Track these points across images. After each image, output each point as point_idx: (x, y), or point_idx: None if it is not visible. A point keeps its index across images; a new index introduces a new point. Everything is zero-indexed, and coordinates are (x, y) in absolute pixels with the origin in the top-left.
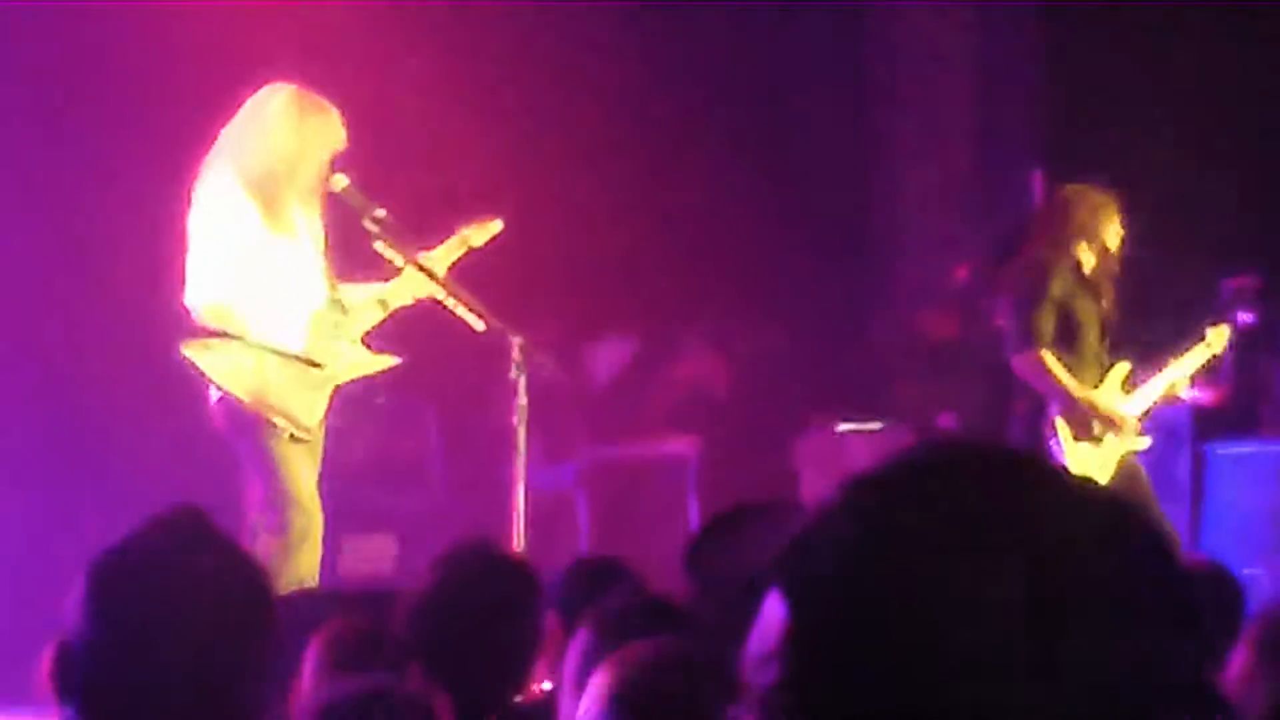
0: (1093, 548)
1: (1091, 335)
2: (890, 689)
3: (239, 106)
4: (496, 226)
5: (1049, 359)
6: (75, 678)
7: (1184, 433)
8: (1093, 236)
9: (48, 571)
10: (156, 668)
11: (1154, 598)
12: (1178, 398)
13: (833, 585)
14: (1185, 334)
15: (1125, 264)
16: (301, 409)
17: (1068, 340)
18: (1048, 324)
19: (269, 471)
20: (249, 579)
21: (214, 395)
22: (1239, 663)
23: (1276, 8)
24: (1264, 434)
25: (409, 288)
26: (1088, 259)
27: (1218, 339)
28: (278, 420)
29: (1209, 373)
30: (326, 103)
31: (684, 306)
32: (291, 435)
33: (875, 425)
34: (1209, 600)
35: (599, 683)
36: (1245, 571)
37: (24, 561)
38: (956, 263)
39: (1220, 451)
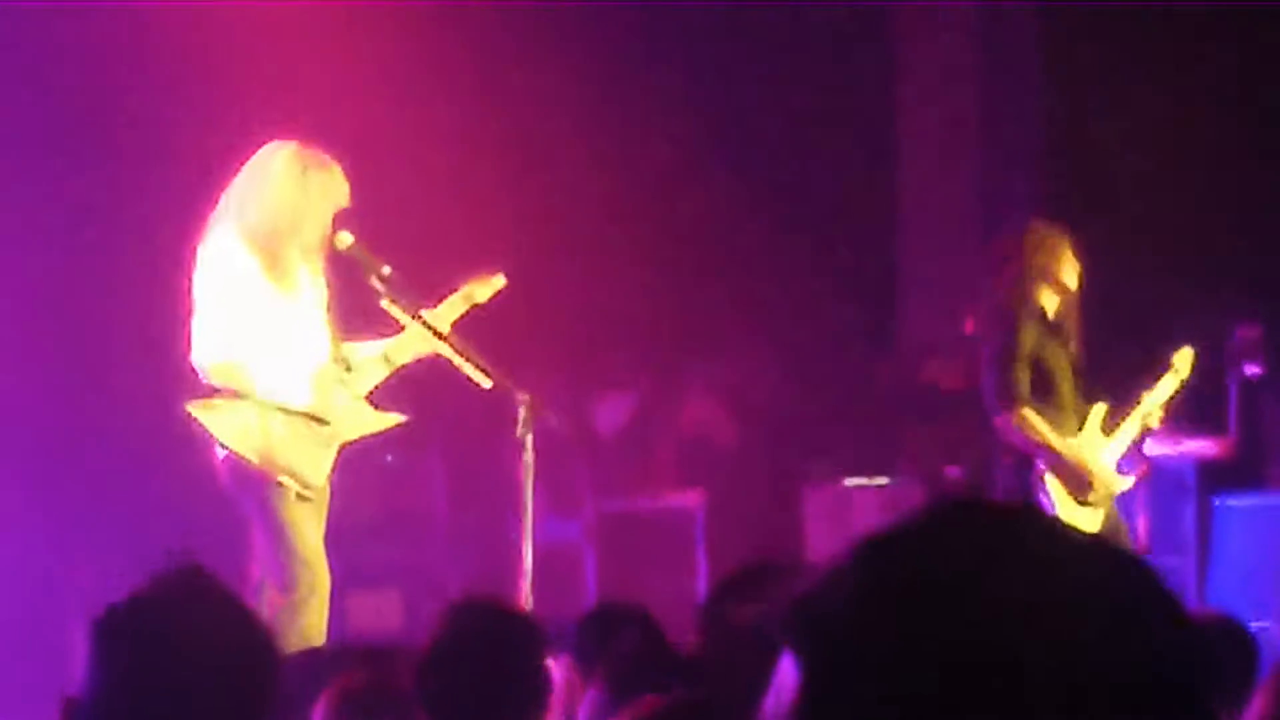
0: (1099, 598)
1: (1065, 382)
2: None
3: (243, 160)
4: (500, 282)
5: (1031, 417)
6: None
7: (1190, 485)
8: (1052, 278)
9: (46, 617)
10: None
11: (1164, 646)
12: (1151, 429)
13: (843, 646)
14: (1189, 384)
15: (1125, 315)
16: (308, 467)
17: (1043, 391)
18: (1024, 380)
19: (275, 530)
20: (253, 636)
21: (219, 454)
22: (1256, 713)
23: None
24: (1271, 486)
25: (414, 344)
26: (1050, 302)
27: (1183, 363)
28: (284, 479)
29: (1213, 417)
30: (329, 159)
31: (688, 356)
32: (298, 494)
33: (882, 480)
34: (1222, 652)
35: None
36: (1255, 624)
37: (22, 606)
38: (962, 312)
39: (1227, 503)
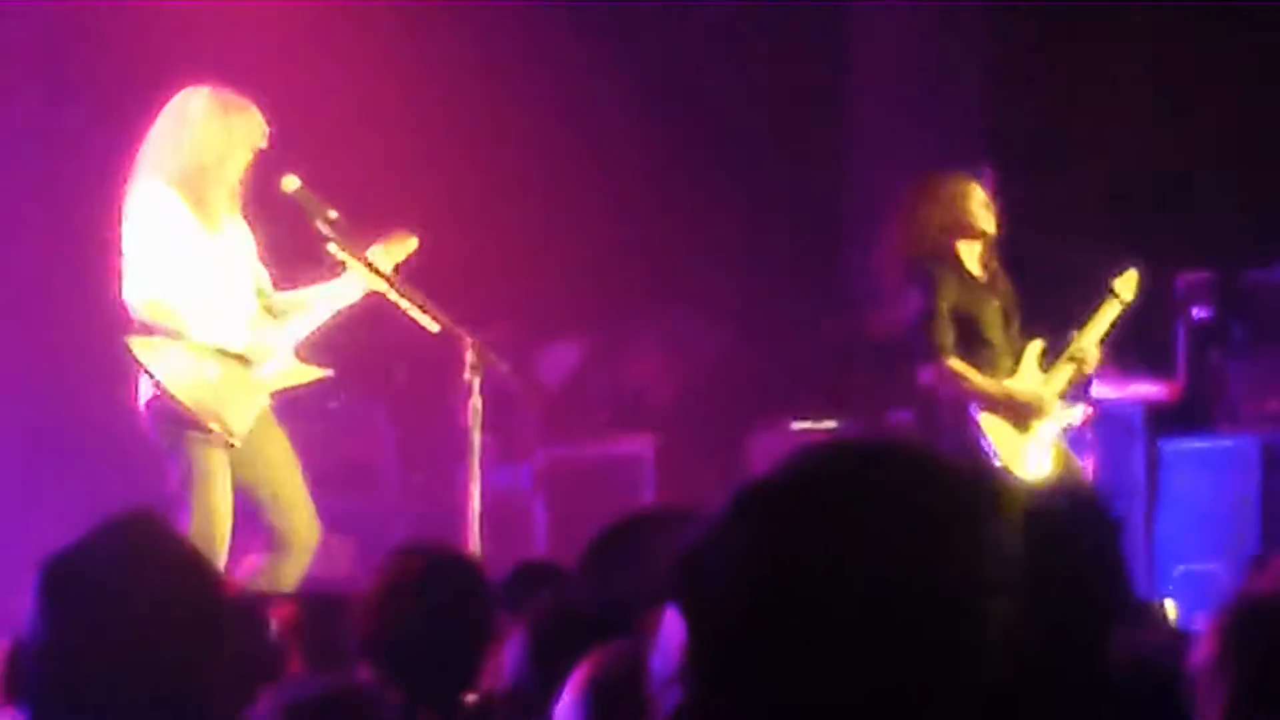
0: (979, 529)
1: (993, 328)
2: (793, 701)
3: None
4: (413, 243)
5: (956, 365)
6: (28, 679)
7: (1138, 429)
8: (965, 228)
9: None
10: (108, 669)
11: (1045, 568)
12: (1090, 365)
13: (727, 602)
14: (1137, 329)
15: (1072, 266)
16: (236, 414)
17: (971, 340)
18: (946, 333)
19: (189, 475)
20: (201, 581)
21: (146, 393)
22: (1203, 656)
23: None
24: (1218, 430)
25: (349, 291)
26: (968, 250)
27: (1125, 288)
28: (214, 425)
29: (1160, 362)
30: (246, 100)
31: (634, 306)
32: (225, 441)
33: (829, 424)
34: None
35: (579, 678)
36: (1202, 567)
37: None
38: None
39: (1175, 447)
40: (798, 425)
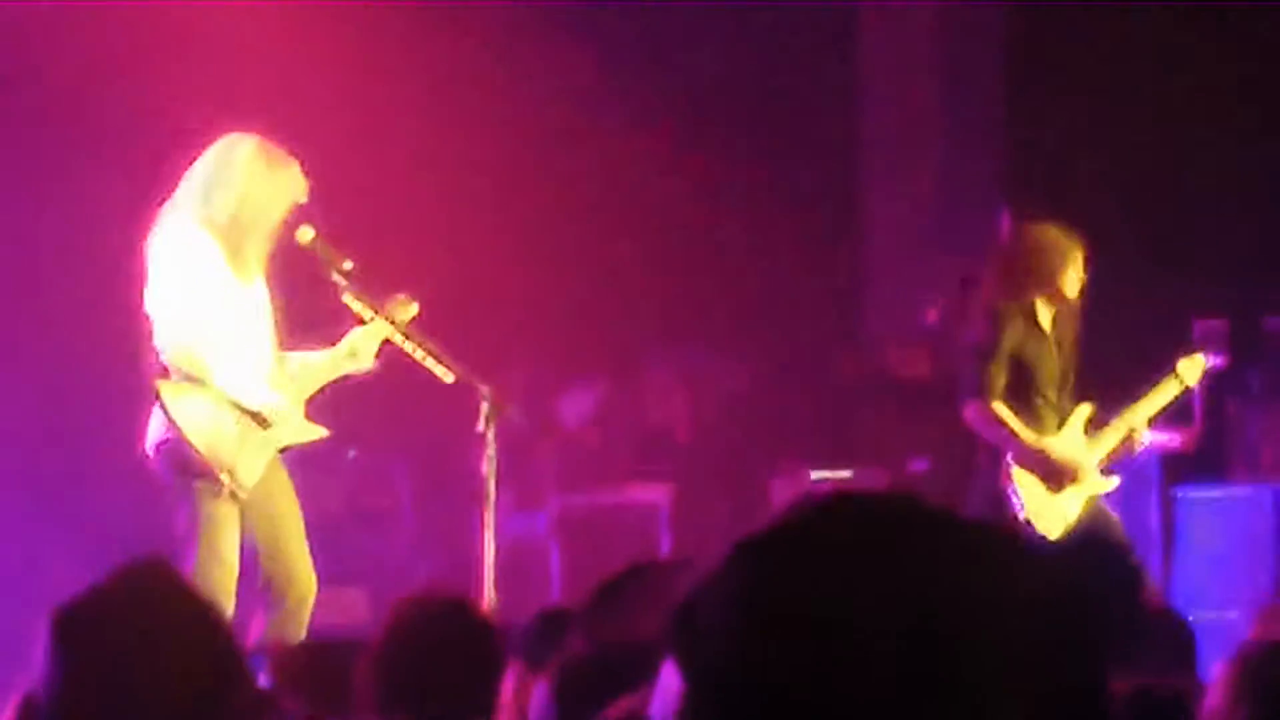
0: (982, 589)
1: (1047, 384)
2: None
3: (198, 152)
4: (414, 309)
5: (999, 409)
6: None
7: (1153, 477)
8: (1051, 283)
9: (14, 614)
10: (120, 713)
11: (1049, 629)
12: (1138, 441)
13: (725, 653)
14: (1153, 371)
15: (1089, 307)
16: (246, 468)
17: (1021, 390)
18: (999, 376)
19: (196, 523)
20: (214, 632)
21: (157, 436)
22: (1213, 703)
23: (1244, 42)
24: (1233, 478)
25: (371, 350)
26: (1045, 307)
27: (1190, 371)
28: (224, 477)
29: (1176, 410)
30: (289, 155)
31: (651, 349)
32: (230, 493)
33: (846, 474)
34: (1163, 640)
35: None
36: (1218, 615)
37: None
38: (924, 301)
39: (1190, 495)
40: (815, 474)
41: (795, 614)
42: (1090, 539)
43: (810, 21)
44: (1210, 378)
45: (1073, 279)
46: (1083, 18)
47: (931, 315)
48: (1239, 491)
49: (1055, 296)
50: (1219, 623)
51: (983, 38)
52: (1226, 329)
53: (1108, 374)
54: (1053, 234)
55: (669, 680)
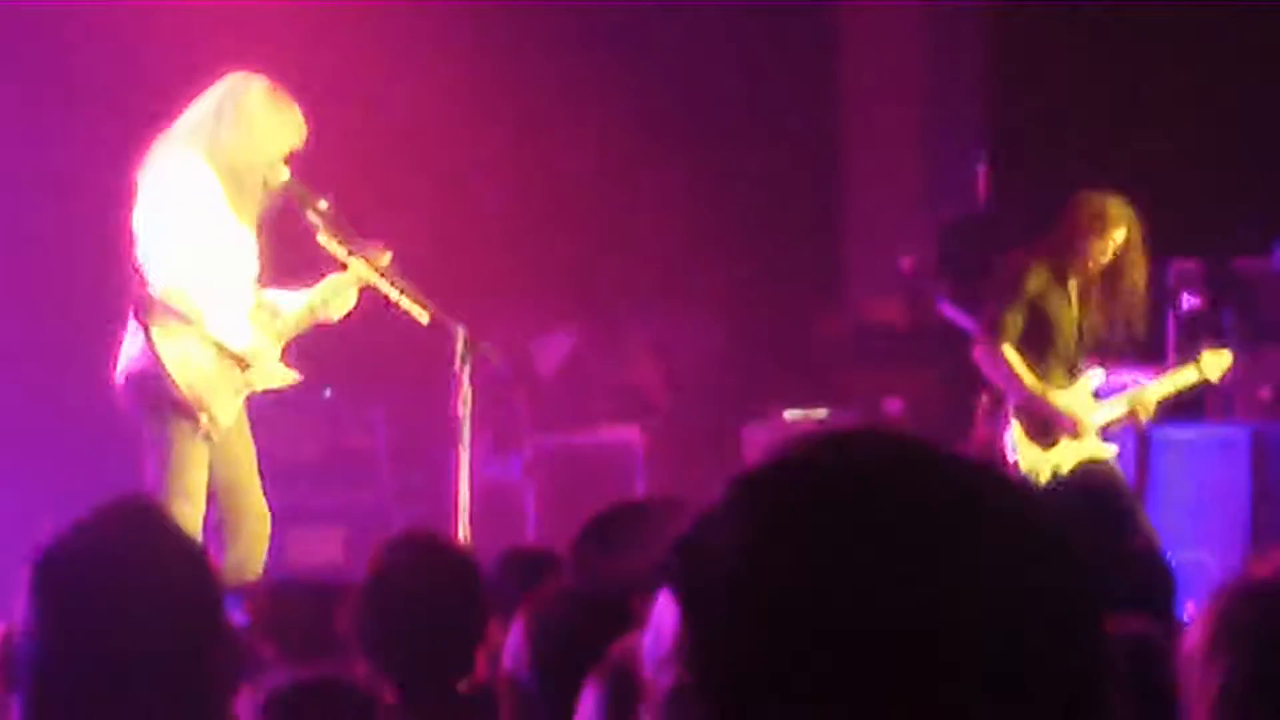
0: (983, 533)
1: (1064, 339)
2: (788, 684)
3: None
4: (386, 257)
5: (1008, 352)
6: (21, 667)
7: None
8: (1084, 254)
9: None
10: (106, 659)
11: (1044, 580)
12: (1143, 421)
13: (725, 586)
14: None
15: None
16: (222, 409)
17: (1037, 340)
18: (1015, 321)
19: (167, 461)
20: (197, 569)
21: (135, 366)
22: (1191, 645)
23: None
24: (1209, 418)
25: (349, 294)
26: (1074, 269)
27: (1212, 365)
28: (203, 416)
29: (1150, 349)
30: (292, 99)
31: (629, 296)
32: (205, 433)
33: (822, 413)
34: (1146, 582)
35: (596, 674)
36: (1194, 555)
37: None
38: (902, 251)
39: (1166, 436)
40: (790, 415)
41: (796, 549)
42: (1087, 484)
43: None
44: (1186, 317)
45: (1107, 249)
46: (1068, 16)
47: (906, 264)
48: (1215, 432)
49: (1082, 262)
50: (1195, 563)
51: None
52: (1201, 270)
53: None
54: (1097, 204)
55: (664, 616)
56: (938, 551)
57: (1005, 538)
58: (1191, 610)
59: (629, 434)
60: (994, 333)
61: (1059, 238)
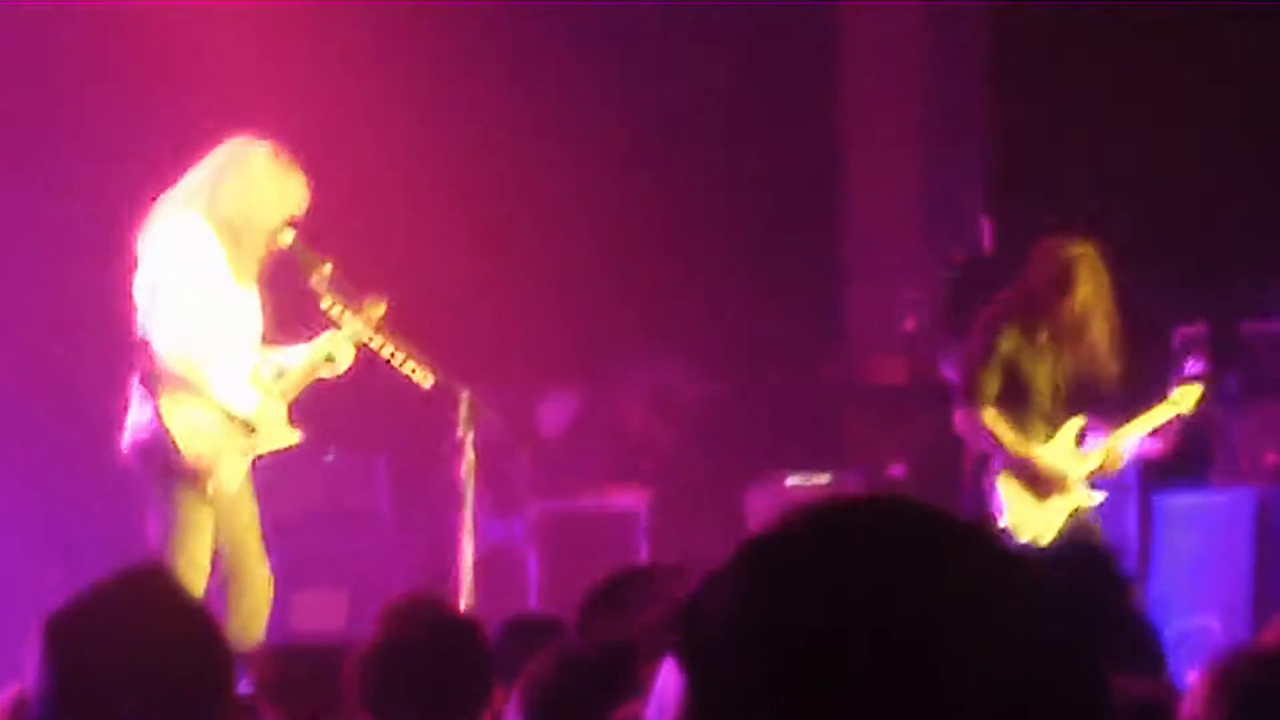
0: (983, 600)
1: (1041, 394)
2: None
3: (203, 152)
4: (381, 308)
5: (988, 416)
6: None
7: (1132, 484)
8: (1058, 295)
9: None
10: None
11: (1048, 646)
12: (1116, 457)
13: (727, 653)
14: (1133, 383)
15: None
16: (228, 473)
17: (1014, 399)
18: (992, 382)
19: (173, 526)
20: (206, 635)
21: (142, 433)
22: (1189, 711)
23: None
24: (1213, 483)
25: (350, 344)
26: (1047, 322)
27: (1186, 399)
28: (209, 483)
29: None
30: (297, 166)
31: (631, 355)
32: (210, 498)
33: (824, 478)
34: (1136, 646)
35: None
36: (1197, 622)
37: None
38: (903, 309)
39: (1169, 502)
40: (792, 480)
41: (800, 618)
42: (1076, 545)
43: (793, 23)
44: (1189, 382)
45: (1073, 304)
46: (1068, 19)
47: (910, 323)
48: (1218, 497)
49: (1057, 317)
50: (1199, 629)
51: (967, 40)
52: (1206, 335)
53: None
54: (1061, 260)
55: (668, 681)
56: (943, 617)
57: (1008, 601)
58: (1193, 677)
59: (631, 498)
60: (972, 398)
61: (1025, 294)
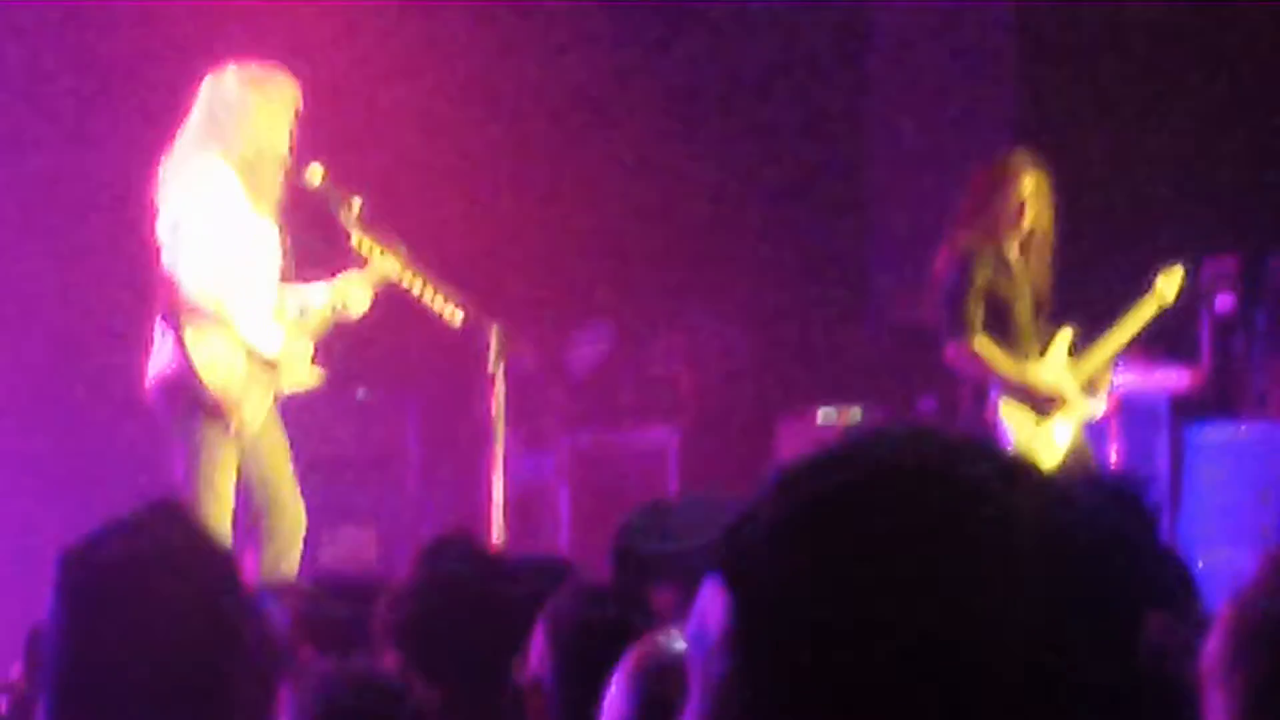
0: (1022, 524)
1: (1022, 314)
2: (839, 671)
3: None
4: (400, 251)
5: (980, 345)
6: (49, 667)
7: (1162, 418)
8: (1013, 220)
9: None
10: (131, 662)
11: (1091, 574)
12: (1117, 363)
13: (772, 574)
14: (1161, 316)
15: (1100, 247)
16: (251, 411)
17: (999, 323)
18: (976, 313)
19: (197, 461)
20: (226, 571)
21: (166, 369)
22: (1213, 650)
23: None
24: (1243, 417)
25: (370, 279)
26: (1012, 239)
27: (1168, 286)
28: (233, 418)
29: (1184, 349)
30: (271, 67)
31: (660, 293)
32: (234, 433)
33: (855, 412)
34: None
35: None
36: (1228, 554)
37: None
38: (934, 248)
39: (1199, 436)
40: (822, 413)
41: (844, 538)
42: (1105, 482)
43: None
44: (1220, 317)
45: (1038, 209)
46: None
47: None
48: (1249, 432)
49: (1020, 230)
50: (1229, 561)
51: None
52: (1235, 269)
53: (1119, 310)
54: (1012, 168)
55: (711, 603)
56: (985, 541)
57: (1049, 542)
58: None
59: (662, 432)
60: (961, 331)
61: (976, 212)
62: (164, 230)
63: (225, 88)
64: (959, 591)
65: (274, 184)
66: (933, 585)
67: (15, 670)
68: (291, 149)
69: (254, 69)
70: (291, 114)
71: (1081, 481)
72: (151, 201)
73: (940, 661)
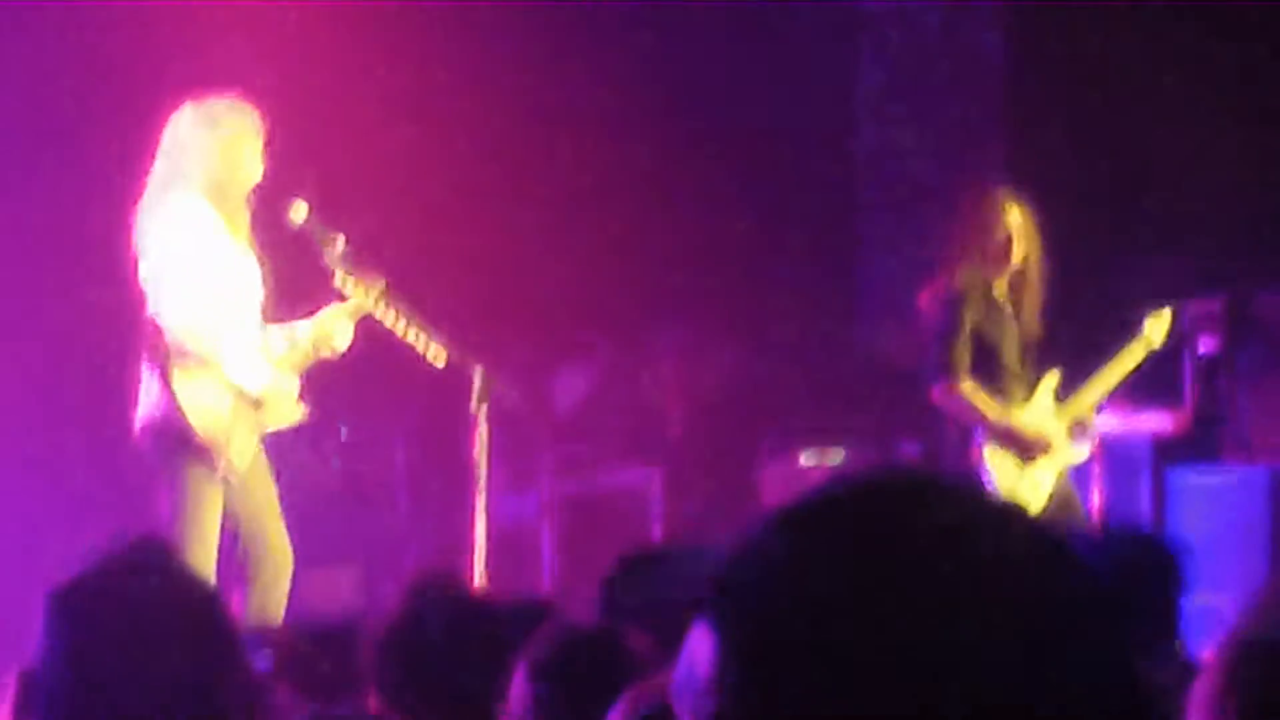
0: (1011, 570)
1: (1009, 356)
2: (828, 711)
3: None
4: (380, 285)
5: (965, 388)
6: (36, 704)
7: (1144, 460)
8: (1000, 258)
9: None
10: (118, 698)
11: (1068, 610)
12: (1101, 407)
13: (761, 616)
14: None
15: (1082, 285)
16: (239, 452)
17: (986, 365)
18: (963, 355)
19: (183, 505)
20: (209, 610)
21: (153, 412)
22: (1202, 693)
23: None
24: (1226, 460)
25: (352, 313)
26: (999, 279)
27: (1156, 329)
28: (220, 460)
29: (1167, 390)
30: (229, 98)
31: (645, 328)
32: (222, 476)
33: (837, 455)
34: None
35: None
36: (1210, 599)
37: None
38: (919, 287)
39: (1181, 479)
40: (805, 457)
41: (831, 582)
42: (1120, 530)
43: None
44: (1203, 360)
45: (1020, 245)
46: (1085, 14)
47: (924, 301)
48: (1231, 474)
49: (1007, 268)
50: (1211, 607)
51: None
52: (1217, 311)
53: (1101, 352)
54: (998, 201)
55: (698, 647)
56: (976, 586)
57: (1038, 575)
58: (1207, 656)
59: (646, 475)
60: (947, 374)
61: (965, 248)
62: (147, 274)
63: (180, 130)
64: (947, 635)
65: (243, 216)
66: (921, 629)
67: (3, 713)
68: (265, 175)
69: (210, 105)
70: (256, 143)
71: (1105, 531)
72: (131, 248)
73: (928, 704)
